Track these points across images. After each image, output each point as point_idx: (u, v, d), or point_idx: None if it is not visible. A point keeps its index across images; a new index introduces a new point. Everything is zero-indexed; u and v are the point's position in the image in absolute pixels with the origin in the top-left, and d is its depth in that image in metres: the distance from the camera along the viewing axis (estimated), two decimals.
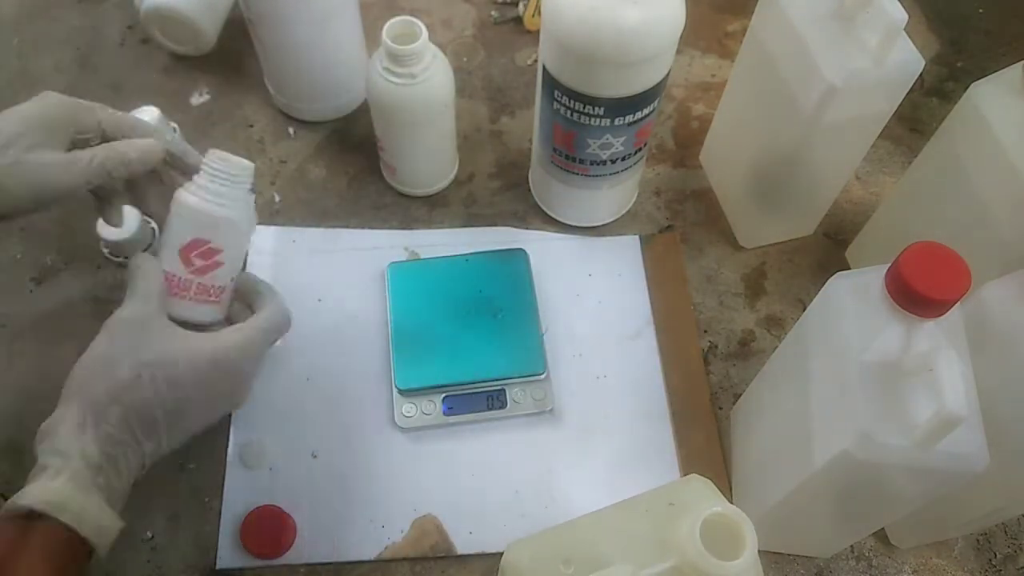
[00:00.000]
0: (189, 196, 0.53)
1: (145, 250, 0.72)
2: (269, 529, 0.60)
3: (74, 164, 0.52)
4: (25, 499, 0.46)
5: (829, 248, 0.77)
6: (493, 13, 0.90)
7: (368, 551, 0.61)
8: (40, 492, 0.47)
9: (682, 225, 0.77)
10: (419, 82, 0.66)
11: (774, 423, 0.58)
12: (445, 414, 0.65)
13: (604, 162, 0.67)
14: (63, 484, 0.47)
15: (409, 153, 0.74)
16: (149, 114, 0.75)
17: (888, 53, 0.56)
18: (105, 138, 0.54)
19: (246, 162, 0.54)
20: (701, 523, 0.36)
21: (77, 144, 0.54)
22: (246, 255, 0.59)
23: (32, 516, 0.46)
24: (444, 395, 0.65)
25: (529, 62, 0.87)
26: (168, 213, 0.54)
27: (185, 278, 0.54)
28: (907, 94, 0.59)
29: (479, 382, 0.66)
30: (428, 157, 0.75)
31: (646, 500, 0.43)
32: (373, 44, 0.85)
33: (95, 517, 0.47)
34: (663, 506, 0.41)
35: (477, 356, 0.66)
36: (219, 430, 0.65)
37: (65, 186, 0.52)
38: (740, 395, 0.67)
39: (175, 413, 0.52)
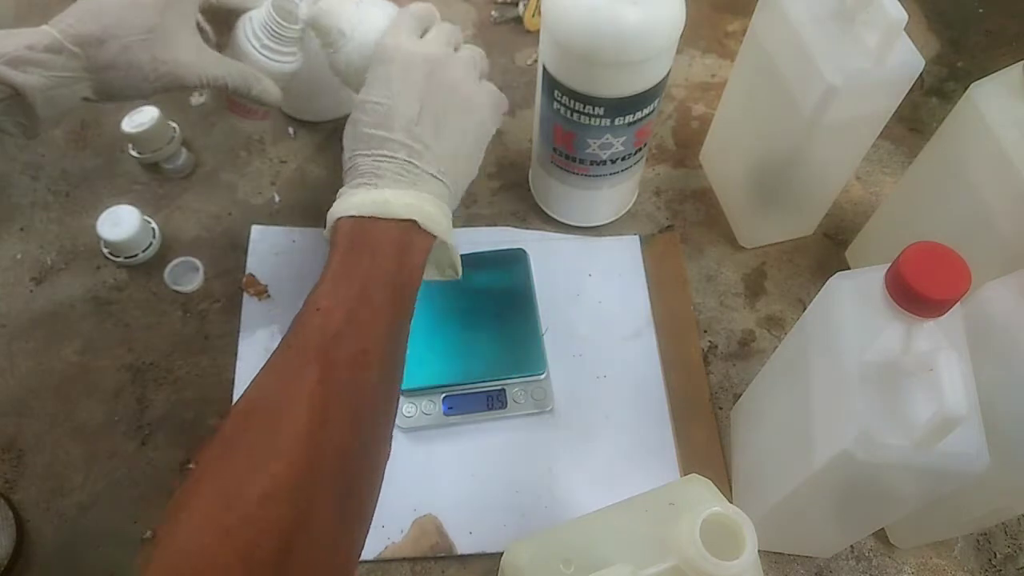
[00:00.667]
0: (255, 55, 0.57)
1: (145, 250, 0.72)
2: None
3: (204, 66, 0.55)
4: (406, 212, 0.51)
5: (829, 248, 0.77)
6: (493, 13, 0.90)
7: (368, 551, 0.61)
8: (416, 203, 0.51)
9: (682, 225, 0.77)
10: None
11: (774, 423, 0.58)
12: (445, 414, 0.65)
13: (604, 162, 0.67)
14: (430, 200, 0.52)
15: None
16: (149, 114, 0.75)
17: (888, 53, 0.56)
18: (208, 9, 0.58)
19: (296, 17, 0.56)
20: (701, 523, 0.36)
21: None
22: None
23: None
24: (444, 395, 0.65)
25: (529, 62, 0.87)
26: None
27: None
28: (907, 94, 0.59)
29: (479, 382, 0.66)
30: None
31: (646, 500, 0.43)
32: None
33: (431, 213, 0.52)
34: (663, 506, 0.41)
35: (477, 356, 0.66)
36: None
37: (192, 84, 0.56)
38: (740, 395, 0.67)
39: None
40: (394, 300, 0.49)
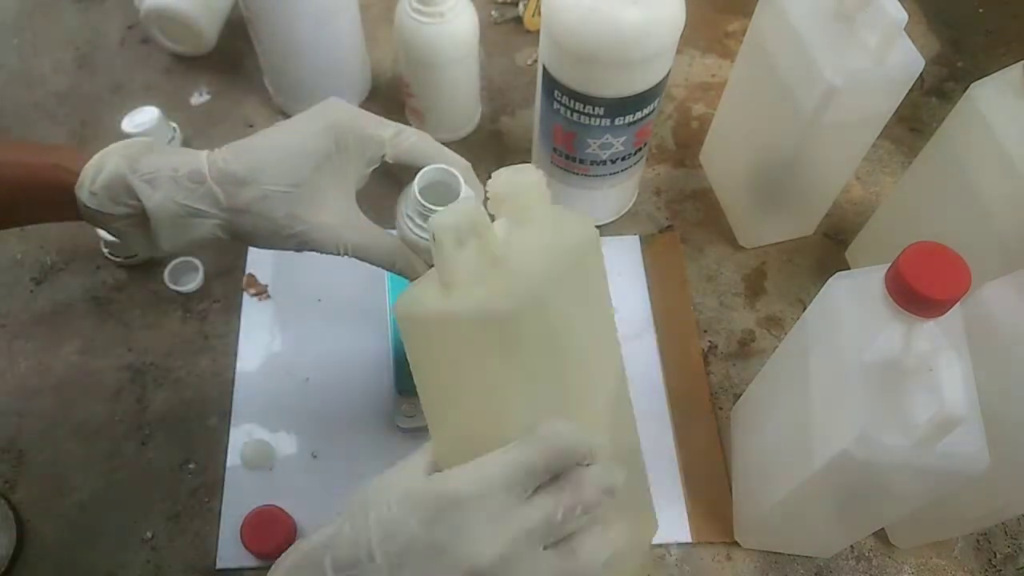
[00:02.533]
0: (404, 225, 0.54)
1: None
2: (269, 529, 0.60)
3: (344, 237, 0.52)
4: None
5: (829, 248, 0.77)
6: (493, 13, 0.90)
7: None
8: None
9: (682, 225, 0.77)
10: (447, 21, 0.69)
11: (774, 423, 0.58)
12: None
13: (604, 162, 0.67)
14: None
15: (436, 95, 0.76)
16: (149, 114, 0.75)
17: (888, 53, 0.56)
18: (385, 169, 0.54)
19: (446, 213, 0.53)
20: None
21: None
22: None
23: None
24: None
25: (529, 62, 0.87)
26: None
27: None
28: (907, 94, 0.59)
29: None
30: (454, 99, 0.78)
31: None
32: (373, 44, 0.86)
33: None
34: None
35: None
36: (219, 430, 0.65)
37: (328, 251, 0.52)
38: (740, 395, 0.67)
39: None
40: None
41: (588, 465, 0.37)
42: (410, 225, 0.54)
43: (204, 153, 0.51)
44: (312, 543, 0.39)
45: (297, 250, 0.53)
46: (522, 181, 0.40)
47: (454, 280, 0.37)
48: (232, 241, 0.52)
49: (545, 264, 0.38)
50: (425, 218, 0.53)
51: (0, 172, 0.50)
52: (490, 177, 0.40)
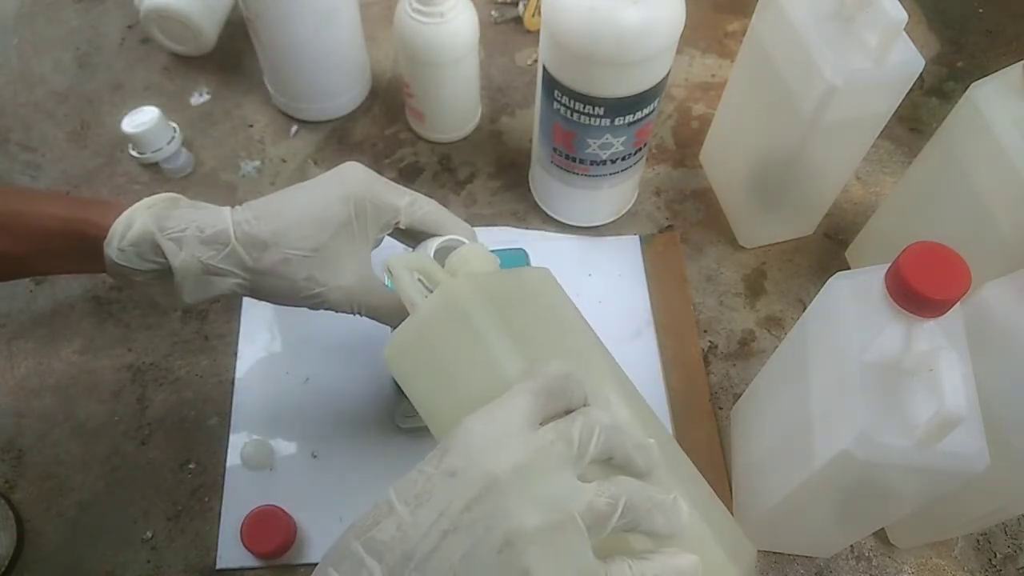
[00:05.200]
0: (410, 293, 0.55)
1: None
2: (269, 529, 0.60)
3: (357, 299, 0.55)
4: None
5: (829, 248, 0.77)
6: (493, 13, 0.90)
7: None
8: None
9: (682, 225, 0.77)
10: (447, 21, 0.69)
11: (774, 423, 0.58)
12: None
13: (604, 162, 0.67)
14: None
15: (436, 96, 0.76)
16: (149, 114, 0.75)
17: (888, 53, 0.56)
18: (397, 235, 0.57)
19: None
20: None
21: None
22: None
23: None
24: None
25: (529, 62, 0.87)
26: None
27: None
28: (907, 94, 0.59)
29: None
30: (455, 99, 0.78)
31: None
32: (373, 44, 0.86)
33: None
34: None
35: None
36: (219, 430, 0.65)
37: (343, 311, 0.55)
38: (740, 395, 0.67)
39: None
40: None
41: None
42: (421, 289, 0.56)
43: (227, 211, 0.53)
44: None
45: (313, 309, 0.55)
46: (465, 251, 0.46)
47: (414, 299, 0.43)
48: (250, 296, 0.55)
49: (489, 272, 0.43)
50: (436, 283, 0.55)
51: (32, 222, 0.53)
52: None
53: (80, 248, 0.52)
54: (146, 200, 0.53)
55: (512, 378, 0.39)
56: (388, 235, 0.57)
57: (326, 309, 0.55)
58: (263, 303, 0.70)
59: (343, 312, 0.55)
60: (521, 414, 0.37)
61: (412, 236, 0.57)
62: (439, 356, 0.42)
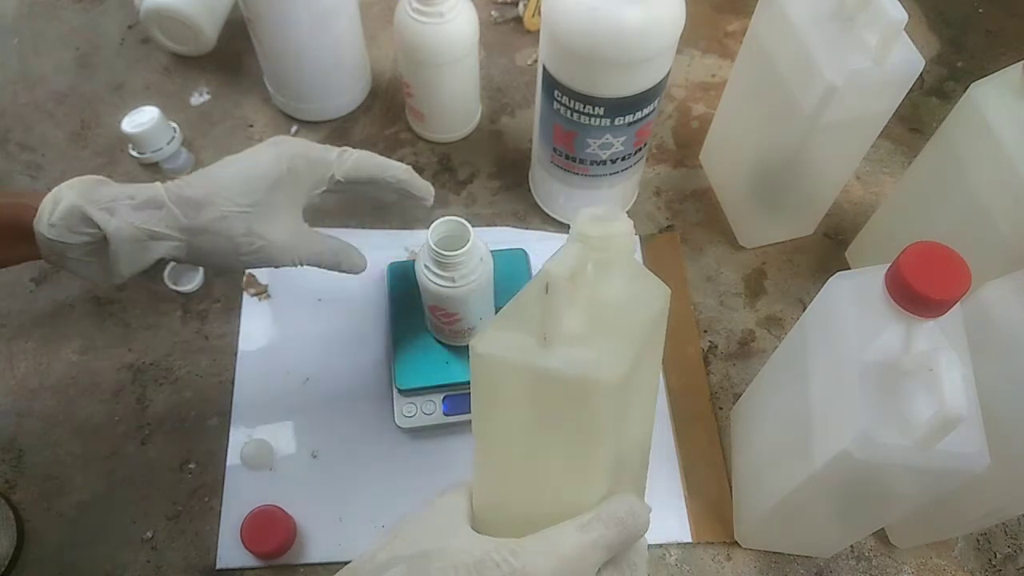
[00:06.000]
0: (421, 274, 0.60)
1: None
2: (269, 529, 0.60)
3: (298, 249, 0.56)
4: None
5: (829, 248, 0.77)
6: (493, 13, 0.90)
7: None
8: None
9: (682, 225, 0.77)
10: (447, 21, 0.69)
11: (774, 423, 0.58)
12: (445, 414, 0.65)
13: (604, 162, 0.67)
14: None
15: (436, 95, 0.76)
16: (149, 114, 0.75)
17: (888, 53, 0.56)
18: (336, 187, 0.57)
19: (462, 250, 0.57)
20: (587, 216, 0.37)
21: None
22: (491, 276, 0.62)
23: None
24: (444, 395, 0.65)
25: (529, 62, 0.87)
26: None
27: (438, 324, 0.64)
28: (907, 94, 0.59)
29: None
30: (455, 99, 0.78)
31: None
32: (373, 44, 0.86)
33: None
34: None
35: None
36: (219, 430, 0.65)
37: (282, 265, 0.56)
38: (740, 395, 0.67)
39: None
40: None
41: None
42: (428, 274, 0.59)
43: (158, 183, 0.53)
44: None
45: (253, 267, 0.56)
46: (614, 230, 0.38)
47: (555, 336, 0.36)
48: (187, 263, 0.55)
49: (639, 330, 0.38)
50: (440, 264, 0.58)
51: None
52: (578, 216, 0.39)
53: (11, 233, 0.52)
54: (73, 179, 0.52)
55: (586, 488, 0.37)
56: (327, 191, 0.58)
57: (265, 265, 0.55)
58: (263, 303, 0.71)
59: (284, 265, 0.56)
60: (591, 560, 0.35)
61: (351, 188, 0.58)
62: (535, 405, 0.38)
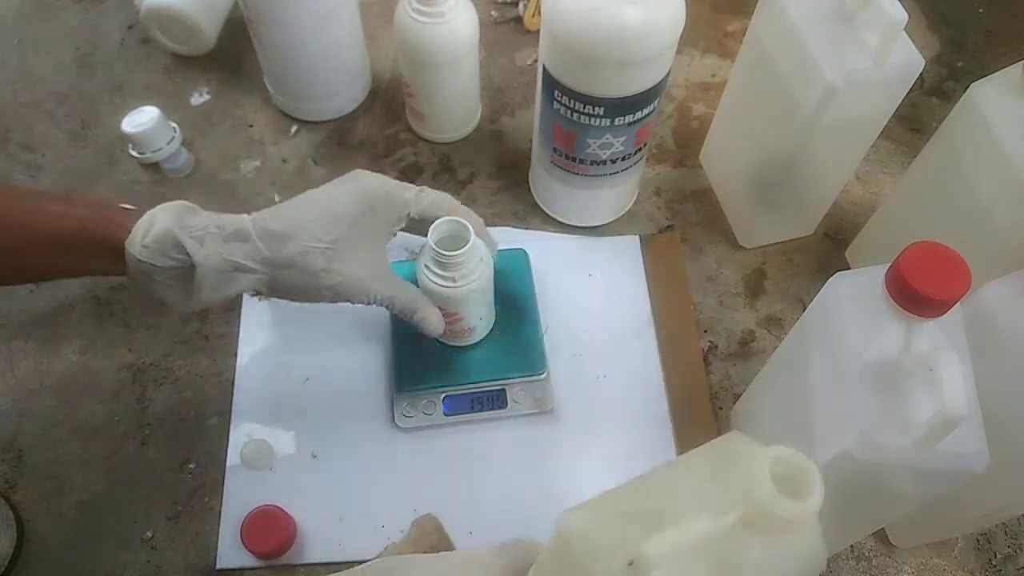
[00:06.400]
0: (422, 273, 0.60)
1: None
2: (269, 529, 0.60)
3: (375, 288, 0.57)
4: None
5: (829, 248, 0.77)
6: (493, 13, 0.90)
7: (368, 551, 0.61)
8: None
9: (682, 225, 0.77)
10: (447, 21, 0.69)
11: (774, 423, 0.58)
12: (445, 414, 0.65)
13: (604, 162, 0.67)
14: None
15: (436, 95, 0.76)
16: (149, 114, 0.75)
17: (888, 53, 0.56)
18: (410, 226, 0.60)
19: (462, 251, 0.57)
20: (769, 463, 0.34)
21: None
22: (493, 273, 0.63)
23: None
24: (444, 395, 0.65)
25: (529, 62, 0.87)
26: None
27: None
28: (907, 94, 0.59)
29: (479, 382, 0.66)
30: (455, 99, 0.78)
31: (697, 456, 0.41)
32: (373, 44, 0.86)
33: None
34: (720, 457, 0.39)
35: (477, 356, 0.66)
36: (219, 430, 0.65)
37: (359, 302, 0.58)
38: (740, 395, 0.67)
39: None
40: None
41: None
42: (428, 275, 0.59)
43: (245, 216, 0.55)
44: None
45: (331, 301, 0.57)
46: (809, 504, 0.32)
47: None
48: (270, 296, 0.56)
49: None
50: (440, 264, 0.58)
51: (49, 222, 0.53)
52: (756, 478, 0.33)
53: (102, 249, 0.53)
54: (165, 204, 0.54)
55: None
56: (402, 229, 0.60)
57: (343, 300, 0.57)
58: (263, 303, 0.71)
59: (359, 302, 0.57)
60: None
61: (423, 225, 0.59)
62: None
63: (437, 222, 0.59)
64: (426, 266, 0.60)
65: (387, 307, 0.59)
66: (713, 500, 0.34)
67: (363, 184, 0.57)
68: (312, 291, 0.55)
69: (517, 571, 0.39)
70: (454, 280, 0.59)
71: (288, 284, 0.55)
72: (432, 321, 0.60)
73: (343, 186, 0.57)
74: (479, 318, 0.65)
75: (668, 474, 0.38)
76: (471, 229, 0.58)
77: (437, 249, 0.58)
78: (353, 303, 0.57)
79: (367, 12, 0.82)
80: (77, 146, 0.80)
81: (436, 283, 0.59)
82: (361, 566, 0.39)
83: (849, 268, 0.73)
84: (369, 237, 0.57)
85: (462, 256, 0.58)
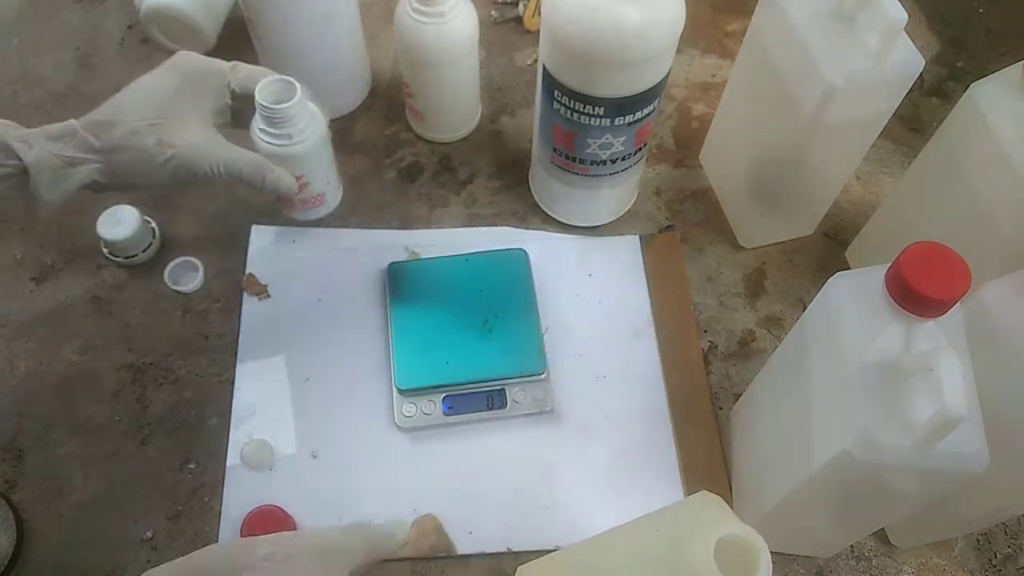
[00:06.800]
0: (258, 141, 0.62)
1: (145, 250, 0.72)
2: (269, 529, 0.60)
3: (215, 154, 0.57)
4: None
5: (829, 248, 0.77)
6: (493, 13, 0.90)
7: None
8: None
9: (682, 225, 0.77)
10: (447, 21, 0.69)
11: (774, 423, 0.58)
12: (445, 414, 0.65)
13: (604, 162, 0.67)
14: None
15: (436, 95, 0.76)
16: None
17: (888, 53, 0.56)
18: (235, 97, 0.61)
19: (289, 103, 0.59)
20: (715, 544, 0.36)
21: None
22: (330, 143, 0.66)
23: None
24: (444, 395, 0.65)
25: (529, 62, 0.87)
26: None
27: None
28: (907, 94, 0.59)
29: (479, 382, 0.66)
30: (455, 99, 0.78)
31: (656, 520, 0.42)
32: (373, 43, 0.86)
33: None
34: (675, 526, 0.40)
35: (477, 356, 0.66)
36: (219, 430, 0.65)
37: (203, 172, 0.57)
38: (740, 395, 0.67)
39: None
40: None
41: None
42: (262, 136, 0.61)
43: (71, 120, 0.56)
44: None
45: (174, 179, 0.57)
46: None
47: None
48: (110, 189, 0.57)
49: None
50: (271, 121, 0.60)
51: None
52: None
53: None
54: None
55: None
56: (230, 104, 0.60)
57: (186, 177, 0.57)
58: (263, 303, 0.71)
59: (203, 172, 0.57)
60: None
61: (247, 99, 0.60)
62: None
63: (263, 81, 0.60)
64: (260, 129, 0.61)
65: (234, 175, 0.58)
66: (659, 571, 0.36)
67: (175, 60, 0.58)
68: (150, 170, 0.56)
69: (371, 552, 0.45)
70: (290, 137, 0.61)
71: (124, 168, 0.56)
72: (284, 179, 0.61)
73: (158, 68, 0.58)
74: (326, 182, 0.67)
75: (626, 537, 0.39)
76: (296, 84, 0.60)
77: (264, 104, 0.59)
78: (198, 178, 0.57)
79: (367, 12, 0.82)
80: None
81: (272, 143, 0.61)
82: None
83: (849, 268, 0.73)
84: (194, 109, 0.58)
85: (291, 109, 0.60)
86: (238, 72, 0.60)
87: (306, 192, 0.65)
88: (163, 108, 0.56)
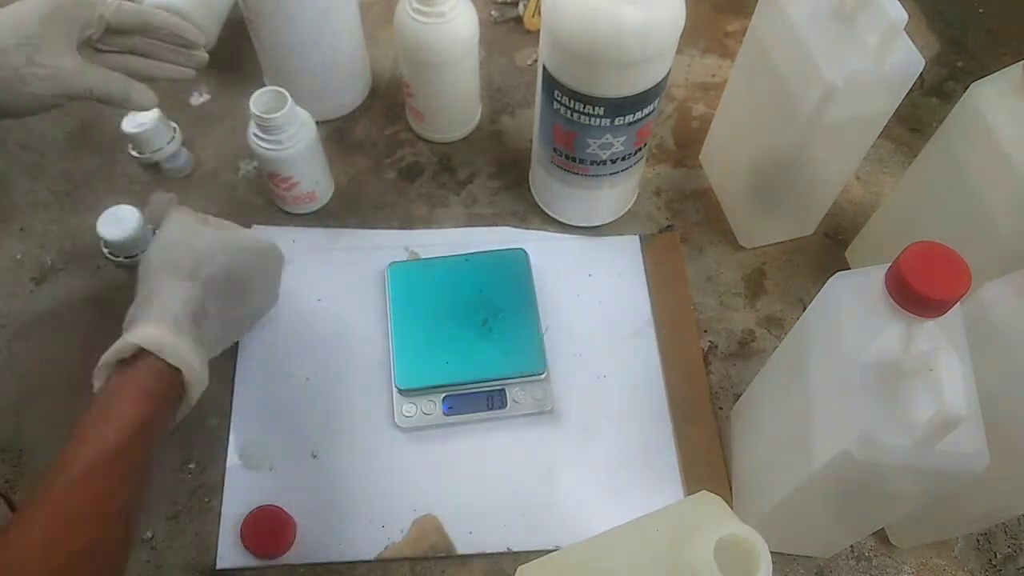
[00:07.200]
0: (253, 144, 0.68)
1: (145, 250, 0.72)
2: (269, 529, 0.60)
3: (87, 76, 0.59)
4: (132, 339, 0.54)
5: (829, 248, 0.77)
6: (493, 13, 0.90)
7: (368, 551, 0.61)
8: (142, 334, 0.55)
9: (682, 225, 0.77)
10: (447, 21, 0.69)
11: (774, 423, 0.58)
12: (445, 414, 0.65)
13: (604, 162, 0.67)
14: (161, 329, 0.55)
15: (436, 95, 0.76)
16: (149, 114, 0.75)
17: (888, 53, 0.56)
18: (110, 30, 0.61)
19: (279, 113, 0.66)
20: (715, 544, 0.36)
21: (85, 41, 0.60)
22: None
23: (130, 360, 0.55)
24: (444, 395, 0.65)
25: (529, 62, 0.87)
26: None
27: (281, 193, 0.73)
28: (907, 94, 0.59)
29: (479, 382, 0.66)
30: (454, 99, 0.78)
31: (657, 520, 0.42)
32: (373, 43, 0.86)
33: (188, 356, 0.55)
34: (675, 526, 0.40)
35: (477, 356, 0.66)
36: (219, 430, 0.65)
37: (76, 93, 0.59)
38: (740, 395, 0.67)
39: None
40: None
41: None
42: (258, 142, 0.68)
43: None
44: None
45: (48, 101, 0.59)
46: None
47: None
48: None
49: None
50: (264, 128, 0.67)
51: None
52: None
53: None
54: None
55: None
56: (101, 36, 0.61)
57: (62, 95, 0.58)
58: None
59: (76, 93, 0.59)
60: None
61: (126, 43, 0.62)
62: None
63: (257, 92, 0.66)
64: (254, 134, 0.68)
65: (105, 96, 0.60)
66: (659, 571, 0.36)
67: None
68: (22, 87, 0.57)
69: None
70: (280, 143, 0.67)
71: None
72: (146, 97, 0.62)
73: None
74: (315, 182, 0.73)
75: (626, 537, 0.39)
76: (287, 95, 0.66)
77: (258, 114, 0.66)
78: (71, 98, 0.59)
79: (367, 12, 0.82)
80: (77, 146, 0.80)
81: (266, 147, 0.68)
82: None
83: (849, 268, 0.73)
84: (64, 34, 0.58)
85: (281, 118, 0.66)
86: (112, 6, 0.61)
87: (296, 190, 0.72)
88: (31, 29, 0.57)
